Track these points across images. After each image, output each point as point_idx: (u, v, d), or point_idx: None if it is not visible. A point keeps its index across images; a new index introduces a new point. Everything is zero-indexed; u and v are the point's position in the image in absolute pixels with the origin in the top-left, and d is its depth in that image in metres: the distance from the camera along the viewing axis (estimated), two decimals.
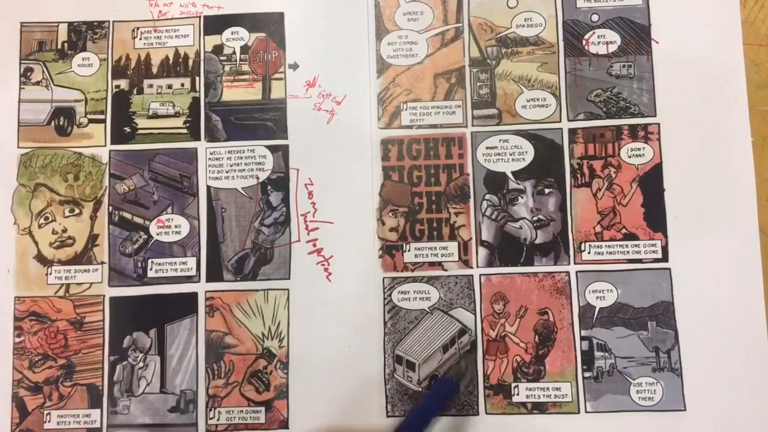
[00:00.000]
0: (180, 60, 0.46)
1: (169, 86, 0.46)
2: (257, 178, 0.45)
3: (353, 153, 0.45)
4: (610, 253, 0.43)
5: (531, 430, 0.42)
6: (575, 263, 0.43)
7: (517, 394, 0.42)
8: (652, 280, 0.43)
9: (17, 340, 0.44)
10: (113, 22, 0.47)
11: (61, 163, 0.45)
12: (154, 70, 0.46)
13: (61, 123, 0.46)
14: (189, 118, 0.46)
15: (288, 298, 0.44)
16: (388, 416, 0.42)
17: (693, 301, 0.42)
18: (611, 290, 0.43)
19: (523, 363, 0.43)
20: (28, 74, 0.46)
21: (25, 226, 0.45)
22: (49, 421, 0.43)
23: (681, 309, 0.42)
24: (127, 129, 0.46)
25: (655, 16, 0.45)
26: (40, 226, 0.45)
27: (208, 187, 0.45)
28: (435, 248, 0.44)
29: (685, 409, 0.42)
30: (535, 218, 0.44)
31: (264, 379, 0.43)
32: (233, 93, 0.46)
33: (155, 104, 0.46)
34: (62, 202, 0.45)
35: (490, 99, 0.45)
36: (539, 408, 0.42)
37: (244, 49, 0.46)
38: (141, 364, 0.43)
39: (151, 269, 0.44)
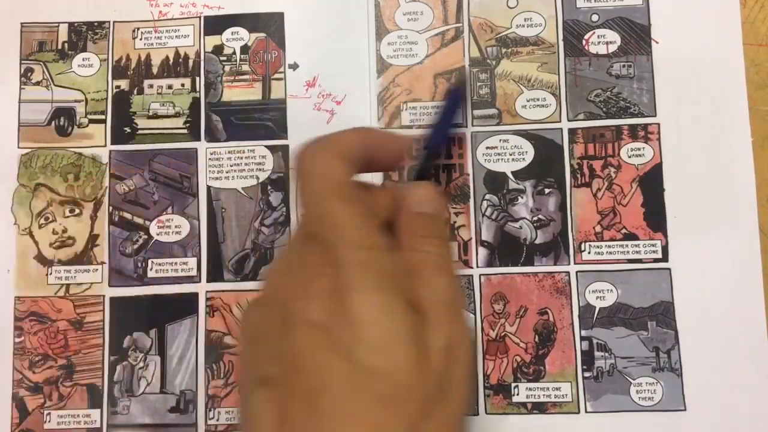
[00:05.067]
0: (180, 60, 0.46)
1: (170, 86, 0.46)
2: (257, 178, 0.45)
3: None
4: (610, 253, 0.43)
5: (531, 430, 0.42)
6: (575, 263, 0.43)
7: (517, 394, 0.42)
8: (652, 280, 0.43)
9: (17, 340, 0.44)
10: (114, 22, 0.47)
11: (61, 163, 0.45)
12: (155, 70, 0.46)
13: (62, 123, 0.46)
14: (189, 119, 0.46)
15: None
16: None
17: (693, 301, 0.42)
18: (611, 290, 0.43)
19: (523, 363, 0.43)
20: (29, 74, 0.46)
21: (26, 226, 0.45)
22: (49, 421, 0.43)
23: (681, 309, 0.42)
24: (128, 129, 0.46)
25: (655, 16, 0.45)
26: (40, 226, 0.45)
27: (208, 187, 0.45)
28: None
29: (685, 409, 0.42)
30: (535, 218, 0.44)
31: None
32: (233, 93, 0.46)
33: (155, 104, 0.46)
34: (62, 203, 0.45)
35: (490, 99, 0.45)
36: (539, 408, 0.42)
37: (244, 49, 0.46)
38: (141, 365, 0.43)
39: (151, 269, 0.44)
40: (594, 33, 0.45)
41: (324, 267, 0.26)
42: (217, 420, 0.43)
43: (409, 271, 0.28)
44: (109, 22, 0.47)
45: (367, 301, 0.25)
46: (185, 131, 0.46)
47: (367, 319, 0.25)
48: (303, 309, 0.26)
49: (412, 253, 0.28)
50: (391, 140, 0.33)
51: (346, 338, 0.25)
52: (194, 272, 0.44)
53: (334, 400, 0.24)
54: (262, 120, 0.45)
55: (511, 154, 0.44)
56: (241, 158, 0.45)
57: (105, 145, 0.45)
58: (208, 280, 0.44)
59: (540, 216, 0.44)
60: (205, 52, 0.46)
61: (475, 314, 0.43)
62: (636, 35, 0.45)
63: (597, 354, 0.43)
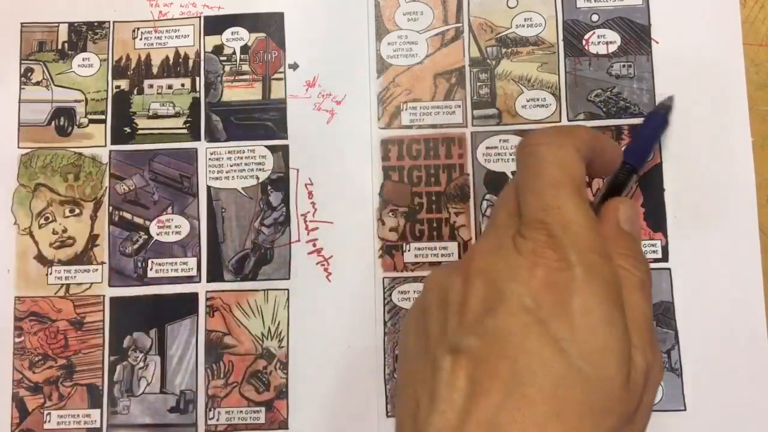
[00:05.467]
0: (180, 60, 0.46)
1: (170, 86, 0.46)
2: (257, 178, 0.45)
3: (353, 153, 0.45)
4: None
5: None
6: None
7: None
8: (652, 279, 0.43)
9: (17, 340, 0.44)
10: (114, 22, 0.47)
11: (61, 163, 0.45)
12: (155, 70, 0.46)
13: (62, 123, 0.46)
14: (189, 119, 0.46)
15: (288, 298, 0.44)
16: (388, 416, 0.42)
17: (693, 301, 0.42)
18: None
19: None
20: (29, 74, 0.46)
21: (26, 226, 0.45)
22: (49, 421, 0.43)
23: (681, 309, 0.42)
24: (128, 129, 0.46)
25: (655, 16, 0.45)
26: (40, 226, 0.45)
27: (208, 187, 0.45)
28: (435, 248, 0.44)
29: (685, 409, 0.42)
30: None
31: (264, 379, 0.43)
32: (233, 93, 0.46)
33: (155, 104, 0.46)
34: (62, 203, 0.45)
35: (490, 99, 0.45)
36: None
37: (244, 49, 0.46)
38: (141, 364, 0.43)
39: (151, 269, 0.44)
40: (594, 33, 0.45)
41: (550, 259, 0.26)
42: (217, 420, 0.43)
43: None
44: (109, 22, 0.47)
45: (592, 305, 0.25)
46: (185, 131, 0.46)
47: (587, 323, 0.25)
48: (519, 292, 0.25)
49: (616, 269, 0.28)
50: (614, 148, 0.32)
51: (562, 334, 0.25)
52: (194, 272, 0.44)
53: (540, 390, 0.24)
54: (262, 120, 0.45)
55: (511, 154, 0.44)
56: (241, 158, 0.45)
57: (105, 145, 0.45)
58: (208, 280, 0.44)
59: None
60: (205, 52, 0.46)
61: None
62: (636, 35, 0.45)
63: None
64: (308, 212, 0.44)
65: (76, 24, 0.47)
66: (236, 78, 0.46)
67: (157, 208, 0.45)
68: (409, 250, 0.44)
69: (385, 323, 0.43)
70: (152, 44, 0.46)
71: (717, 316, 0.42)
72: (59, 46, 0.46)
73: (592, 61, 0.45)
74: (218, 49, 0.46)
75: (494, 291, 0.26)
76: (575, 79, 0.45)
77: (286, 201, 0.45)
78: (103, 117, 0.46)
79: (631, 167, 0.38)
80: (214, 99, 0.46)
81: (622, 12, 0.45)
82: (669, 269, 0.43)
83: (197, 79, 0.46)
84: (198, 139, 0.45)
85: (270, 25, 0.46)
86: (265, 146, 0.45)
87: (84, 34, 0.46)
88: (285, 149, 0.45)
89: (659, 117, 0.42)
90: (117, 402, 0.43)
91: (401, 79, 0.45)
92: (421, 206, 0.44)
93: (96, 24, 0.47)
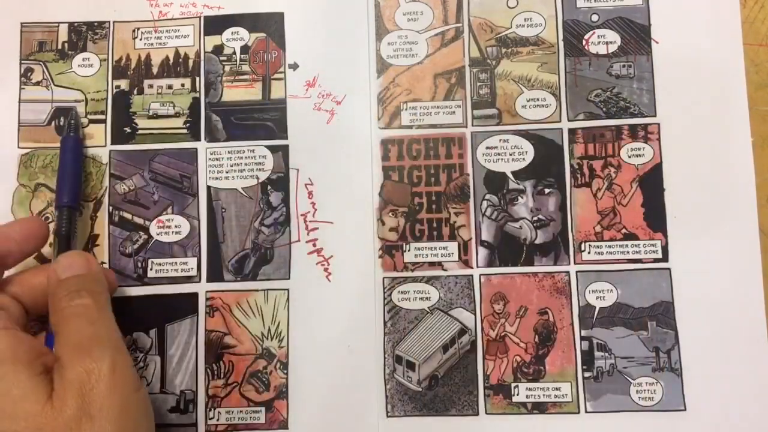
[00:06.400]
0: (180, 60, 0.46)
1: (170, 86, 0.46)
2: (257, 178, 0.45)
3: (353, 153, 0.45)
4: (610, 253, 0.43)
5: (531, 430, 0.42)
6: (575, 263, 0.43)
7: (517, 394, 0.42)
8: (652, 280, 0.43)
9: None
10: (114, 22, 0.47)
11: None
12: (155, 70, 0.46)
13: (62, 123, 0.46)
14: (189, 119, 0.46)
15: (288, 298, 0.44)
16: (388, 416, 0.42)
17: (693, 301, 0.42)
18: (611, 290, 0.43)
19: (523, 363, 0.43)
20: (29, 74, 0.46)
21: None
22: None
23: (681, 309, 0.42)
24: (128, 129, 0.46)
25: (655, 16, 0.45)
26: None
27: (208, 187, 0.45)
28: (435, 248, 0.44)
29: (685, 409, 0.42)
30: (535, 218, 0.44)
31: (264, 379, 0.43)
32: (233, 93, 0.46)
33: (155, 104, 0.46)
34: None
35: (490, 99, 0.45)
36: (539, 408, 0.42)
37: (244, 49, 0.46)
38: (141, 365, 0.43)
39: (151, 269, 0.44)
40: (594, 33, 0.45)
41: None
42: (217, 420, 0.43)
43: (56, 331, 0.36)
44: (109, 22, 0.47)
45: None
46: (185, 131, 0.46)
47: None
48: None
49: (59, 313, 0.36)
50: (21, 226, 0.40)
51: None
52: (194, 272, 0.44)
53: None
54: (262, 120, 0.45)
55: (511, 154, 0.44)
56: (241, 158, 0.45)
57: (105, 145, 0.45)
58: (208, 280, 0.44)
59: (540, 216, 0.44)
60: (205, 52, 0.46)
61: (475, 314, 0.43)
62: (636, 35, 0.45)
63: (597, 354, 0.43)
64: (308, 212, 0.44)
65: (76, 24, 0.47)
66: (236, 78, 0.46)
67: (157, 208, 0.45)
68: (409, 250, 0.44)
69: (385, 323, 0.43)
70: (152, 44, 0.46)
71: (717, 316, 0.42)
72: (59, 46, 0.46)
73: (592, 61, 0.45)
74: (218, 49, 0.46)
75: None
76: (575, 79, 0.45)
77: (286, 201, 0.45)
78: (103, 117, 0.46)
79: (68, 209, 0.42)
80: (214, 99, 0.46)
81: (622, 12, 0.45)
82: (669, 269, 0.43)
83: (197, 79, 0.46)
84: (198, 139, 0.45)
85: (270, 25, 0.46)
86: (265, 146, 0.45)
87: (84, 34, 0.46)
88: (285, 149, 0.45)
89: (69, 140, 0.44)
90: None
91: (401, 79, 0.45)
92: (421, 206, 0.44)
93: (96, 24, 0.47)
